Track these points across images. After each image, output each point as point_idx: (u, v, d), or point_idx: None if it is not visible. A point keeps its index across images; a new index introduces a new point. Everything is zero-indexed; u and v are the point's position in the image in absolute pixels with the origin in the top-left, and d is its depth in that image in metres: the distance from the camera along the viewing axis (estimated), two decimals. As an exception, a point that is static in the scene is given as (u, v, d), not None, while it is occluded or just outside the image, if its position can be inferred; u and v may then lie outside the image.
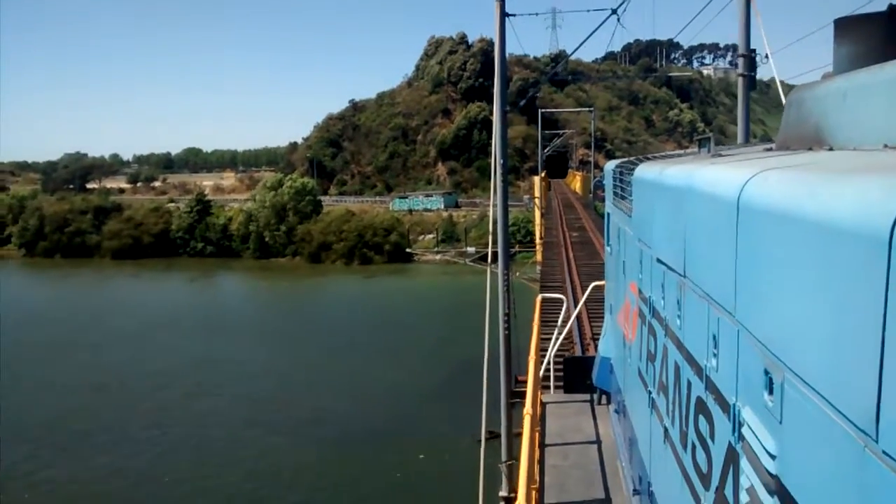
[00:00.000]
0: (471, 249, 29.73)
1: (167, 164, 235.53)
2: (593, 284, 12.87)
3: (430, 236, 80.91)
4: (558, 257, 32.46)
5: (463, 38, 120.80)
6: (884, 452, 1.44)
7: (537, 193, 53.46)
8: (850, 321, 1.63)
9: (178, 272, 75.42)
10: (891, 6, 3.17)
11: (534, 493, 7.84)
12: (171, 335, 44.46)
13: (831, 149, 2.83)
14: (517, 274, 28.09)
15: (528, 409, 8.22)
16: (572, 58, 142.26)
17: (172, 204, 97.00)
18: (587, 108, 57.32)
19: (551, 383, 12.21)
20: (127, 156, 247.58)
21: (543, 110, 50.70)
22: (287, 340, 42.99)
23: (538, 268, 32.74)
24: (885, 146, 2.36)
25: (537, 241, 42.97)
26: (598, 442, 9.72)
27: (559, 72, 71.92)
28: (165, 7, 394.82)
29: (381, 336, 42.90)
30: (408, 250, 68.93)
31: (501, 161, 11.70)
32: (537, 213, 49.45)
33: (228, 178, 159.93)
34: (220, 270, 76.58)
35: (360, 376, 34.18)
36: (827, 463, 1.79)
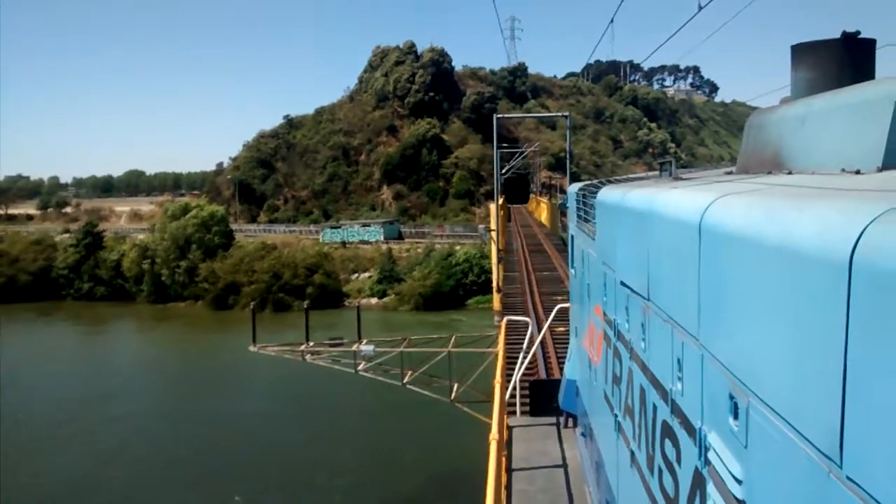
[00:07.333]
0: (367, 348, 16.18)
1: (106, 187, 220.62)
2: (558, 307, 12.46)
3: (366, 275, 66.98)
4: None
5: (411, 48, 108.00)
6: (848, 478, 1.44)
7: (493, 225, 42.08)
8: (813, 346, 1.62)
9: (48, 321, 60.34)
10: (844, 33, 3.25)
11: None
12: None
13: (790, 172, 2.94)
14: (452, 396, 15.14)
15: (494, 433, 7.76)
16: (533, 72, 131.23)
17: (66, 234, 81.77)
18: (560, 116, 45.00)
19: (517, 407, 11.63)
20: (67, 178, 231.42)
21: (500, 116, 37.86)
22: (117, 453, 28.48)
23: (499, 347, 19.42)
24: (843, 170, 2.42)
25: (494, 285, 31.58)
26: (565, 465, 9.46)
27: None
28: (111, 26, 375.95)
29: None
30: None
31: None
32: (494, 249, 38.61)
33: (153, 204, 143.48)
34: (106, 319, 61.68)
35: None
36: (792, 488, 1.78)
